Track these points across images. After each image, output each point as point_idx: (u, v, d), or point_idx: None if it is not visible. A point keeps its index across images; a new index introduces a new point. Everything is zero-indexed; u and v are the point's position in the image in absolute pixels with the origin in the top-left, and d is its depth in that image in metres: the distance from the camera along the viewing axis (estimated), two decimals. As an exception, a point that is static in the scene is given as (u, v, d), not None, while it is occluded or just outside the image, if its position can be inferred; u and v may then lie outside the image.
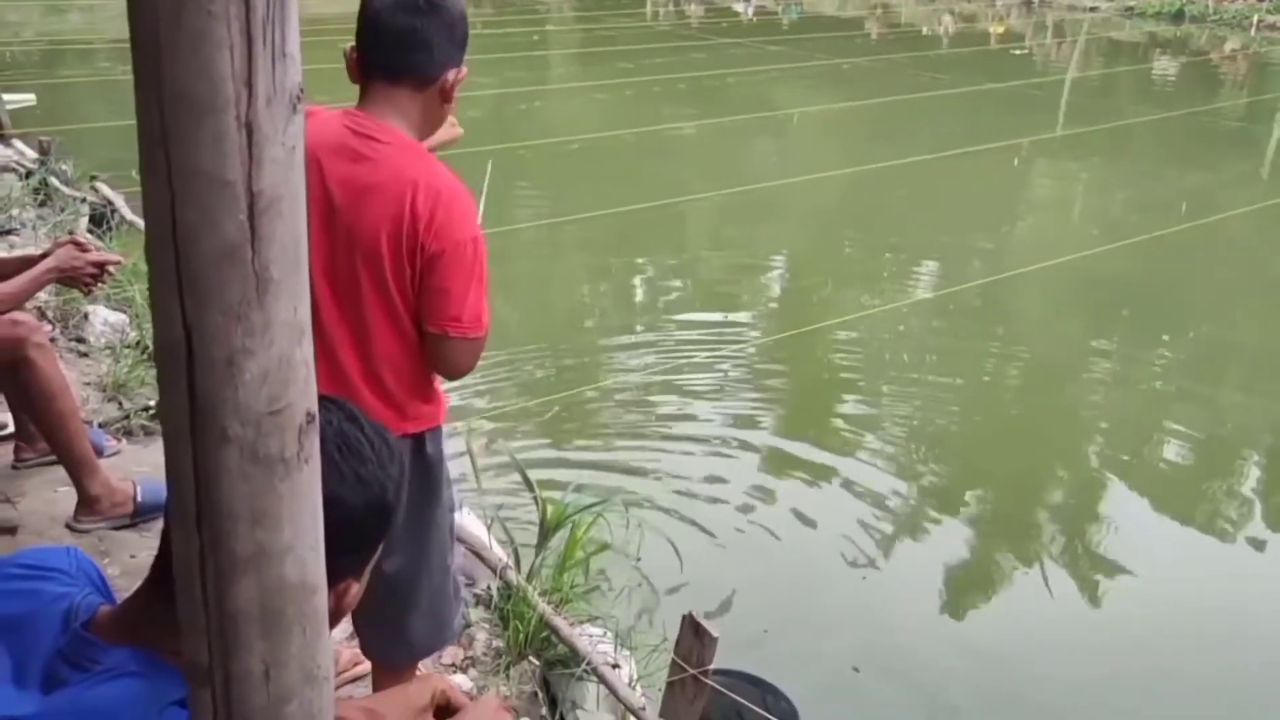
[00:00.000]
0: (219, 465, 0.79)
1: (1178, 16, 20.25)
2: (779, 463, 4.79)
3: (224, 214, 0.73)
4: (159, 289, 0.76)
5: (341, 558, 1.00)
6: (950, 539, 4.31)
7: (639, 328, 6.40)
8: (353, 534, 1.08)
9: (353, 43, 2.03)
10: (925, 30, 20.46)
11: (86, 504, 2.99)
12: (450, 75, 2.00)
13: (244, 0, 0.69)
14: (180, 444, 0.80)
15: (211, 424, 0.78)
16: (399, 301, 2.00)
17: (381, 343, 2.03)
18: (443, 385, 2.26)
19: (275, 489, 0.81)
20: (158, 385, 0.82)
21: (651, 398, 5.35)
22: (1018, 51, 18.40)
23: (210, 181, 0.72)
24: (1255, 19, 19.25)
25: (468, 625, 2.91)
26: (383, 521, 1.12)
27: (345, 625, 2.44)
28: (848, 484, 4.63)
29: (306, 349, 0.81)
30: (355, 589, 1.13)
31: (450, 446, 4.24)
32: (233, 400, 0.77)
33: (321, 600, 0.87)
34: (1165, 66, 17.61)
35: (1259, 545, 4.50)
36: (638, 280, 7.51)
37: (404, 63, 1.98)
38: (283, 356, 0.78)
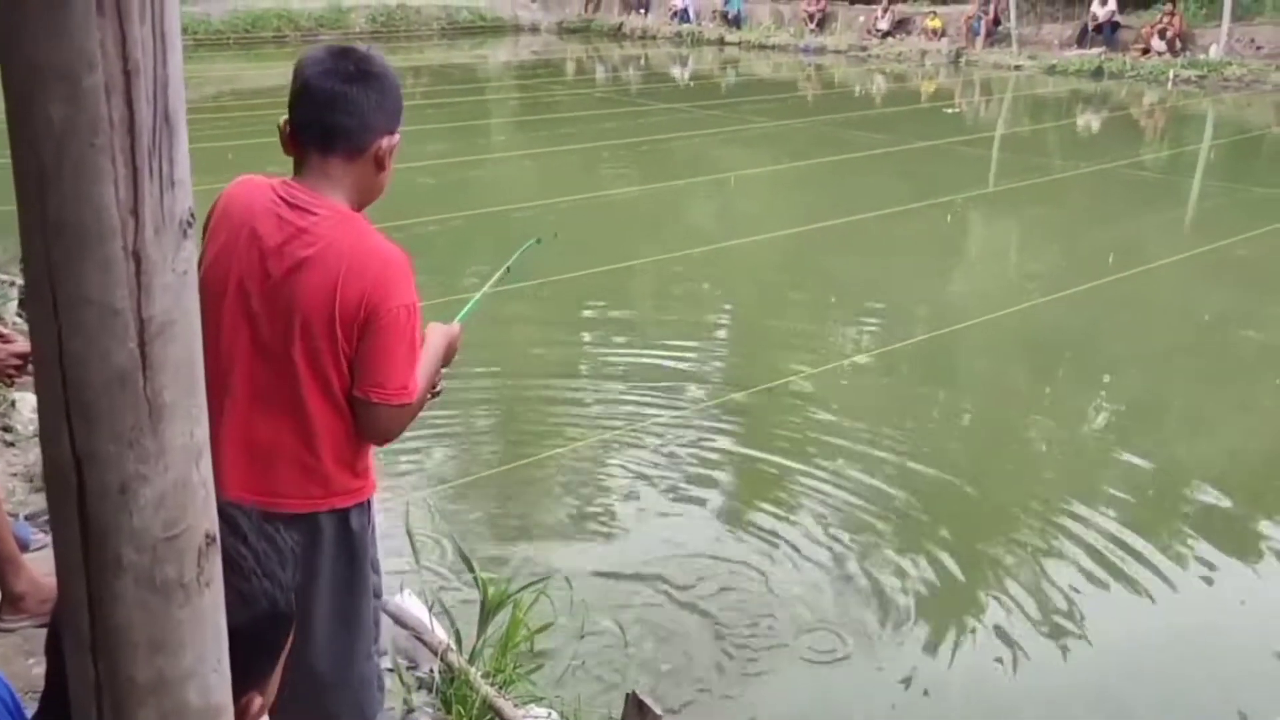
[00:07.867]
0: (114, 594, 0.77)
1: (1097, 73, 20.92)
2: (728, 528, 4.78)
3: (113, 342, 0.72)
4: (46, 415, 0.75)
5: (238, 677, 0.95)
6: (901, 597, 4.32)
7: (582, 397, 6.40)
8: (245, 653, 0.99)
9: (286, 116, 2.03)
10: (858, 90, 20.94)
11: (11, 601, 2.91)
12: (384, 143, 2.01)
13: (129, 131, 0.69)
14: (73, 572, 0.78)
15: (105, 552, 0.77)
16: (333, 374, 1.99)
17: (314, 414, 2.01)
18: (377, 458, 2.23)
19: (174, 615, 0.79)
20: (48, 511, 0.80)
21: (596, 466, 5.33)
22: (948, 110, 18.86)
23: (98, 310, 0.72)
24: (1171, 74, 19.95)
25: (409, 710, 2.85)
26: (277, 632, 1.09)
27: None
28: (796, 547, 4.63)
29: (205, 469, 0.80)
30: (259, 701, 1.09)
31: (387, 525, 4.19)
32: (127, 527, 0.76)
33: (227, 723, 0.85)
34: (1089, 121, 18.16)
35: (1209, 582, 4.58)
36: (580, 348, 7.52)
37: (334, 129, 1.96)
38: (179, 480, 0.77)
